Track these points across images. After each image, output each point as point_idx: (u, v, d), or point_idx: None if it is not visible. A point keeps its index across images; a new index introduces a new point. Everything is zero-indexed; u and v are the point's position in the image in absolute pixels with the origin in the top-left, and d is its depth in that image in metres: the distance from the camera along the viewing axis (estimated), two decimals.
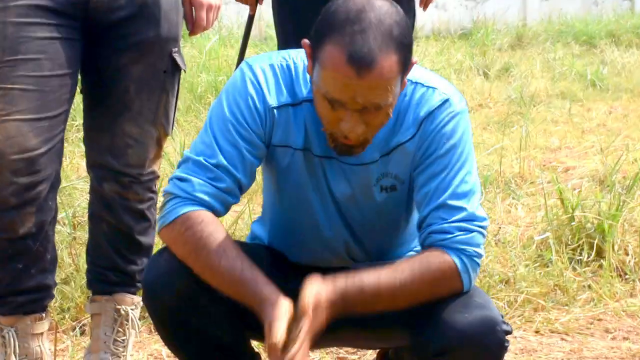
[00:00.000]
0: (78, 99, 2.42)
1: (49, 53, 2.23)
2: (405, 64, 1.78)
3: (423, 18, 2.85)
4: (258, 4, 3.36)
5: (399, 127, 1.91)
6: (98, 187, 2.43)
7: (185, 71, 2.50)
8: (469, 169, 1.92)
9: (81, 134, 2.47)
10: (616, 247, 3.29)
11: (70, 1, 2.24)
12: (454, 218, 1.86)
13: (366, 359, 2.59)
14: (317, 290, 1.72)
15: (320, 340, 1.81)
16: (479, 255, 1.88)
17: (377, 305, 1.79)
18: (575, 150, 5.40)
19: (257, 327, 1.80)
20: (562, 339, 2.80)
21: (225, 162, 1.89)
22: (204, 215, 1.86)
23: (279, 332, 1.69)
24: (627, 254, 3.29)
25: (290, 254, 2.14)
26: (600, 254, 3.27)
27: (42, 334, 2.38)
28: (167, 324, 1.95)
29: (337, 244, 2.07)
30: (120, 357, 2.45)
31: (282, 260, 2.13)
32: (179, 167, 1.93)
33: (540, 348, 2.72)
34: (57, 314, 2.73)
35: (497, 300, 2.99)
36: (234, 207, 2.21)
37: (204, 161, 1.88)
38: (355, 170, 1.94)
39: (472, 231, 1.87)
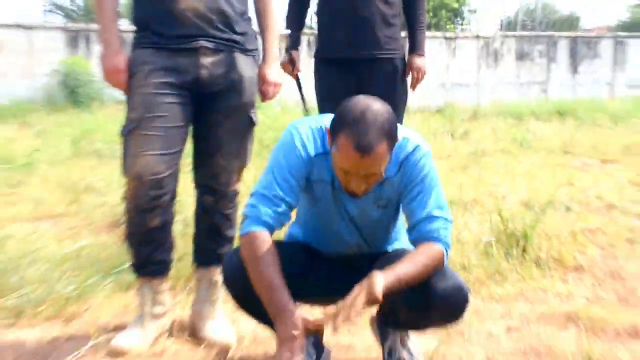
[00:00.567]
0: (189, 141, 2.43)
1: (172, 112, 2.24)
2: (392, 145, 1.84)
3: (412, 98, 2.83)
4: (298, 73, 3.34)
5: (387, 168, 1.91)
6: (200, 199, 2.46)
7: (257, 125, 2.49)
8: (438, 190, 1.97)
9: (190, 165, 2.46)
10: (534, 247, 3.28)
11: (187, 80, 2.27)
12: (435, 223, 1.91)
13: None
14: (378, 282, 1.71)
15: None
16: (450, 244, 1.96)
17: (405, 287, 1.80)
18: (509, 186, 5.36)
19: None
20: (498, 304, 2.78)
21: (281, 194, 1.93)
22: (263, 235, 1.89)
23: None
24: (541, 251, 3.27)
25: (320, 247, 2.17)
26: (524, 250, 3.25)
27: (165, 290, 2.40)
28: (235, 296, 2.01)
29: (352, 242, 2.13)
30: (213, 308, 2.46)
31: (314, 251, 2.15)
32: (250, 197, 1.96)
33: (484, 311, 2.71)
34: (175, 279, 2.73)
35: None
36: None
37: (267, 194, 1.92)
38: (361, 197, 1.96)
39: (447, 229, 1.94)
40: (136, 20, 2.36)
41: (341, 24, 3.10)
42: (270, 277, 1.83)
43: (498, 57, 15.75)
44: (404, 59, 3.25)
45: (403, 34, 3.24)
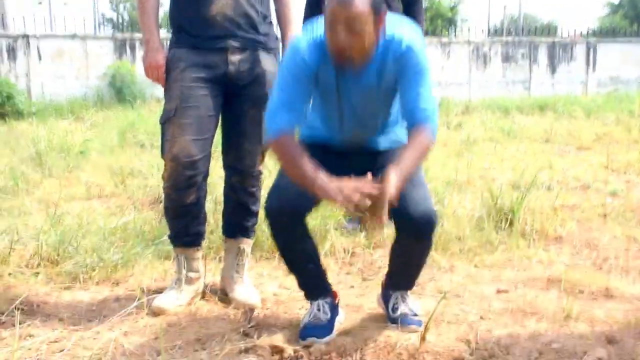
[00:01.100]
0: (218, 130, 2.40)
1: (204, 103, 2.22)
2: (376, 19, 1.79)
3: None
4: None
5: (385, 63, 1.89)
6: (228, 179, 2.42)
7: None
8: (429, 83, 1.90)
9: (219, 150, 2.42)
10: (520, 221, 3.22)
11: (217, 75, 2.24)
12: (427, 111, 1.85)
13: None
14: (395, 176, 1.68)
15: None
16: (437, 127, 1.92)
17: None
18: (498, 169, 5.30)
19: None
20: (489, 270, 2.73)
21: (289, 99, 1.88)
22: (286, 138, 1.85)
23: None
24: (526, 224, 3.22)
25: (328, 137, 2.09)
26: (511, 224, 3.20)
27: (198, 258, 2.38)
28: (280, 234, 1.98)
29: (351, 127, 2.05)
30: (240, 274, 2.43)
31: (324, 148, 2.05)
32: (267, 112, 1.93)
33: (477, 276, 2.67)
34: (207, 249, 2.70)
35: (451, 248, 2.95)
36: None
37: (281, 104, 1.88)
38: (362, 84, 1.93)
39: (435, 113, 1.89)
40: (173, 23, 2.33)
41: None
42: (302, 164, 1.78)
43: (486, 60, 15.61)
44: None
45: None
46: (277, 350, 1.91)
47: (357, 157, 2.07)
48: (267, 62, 2.33)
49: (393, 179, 1.68)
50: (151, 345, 1.96)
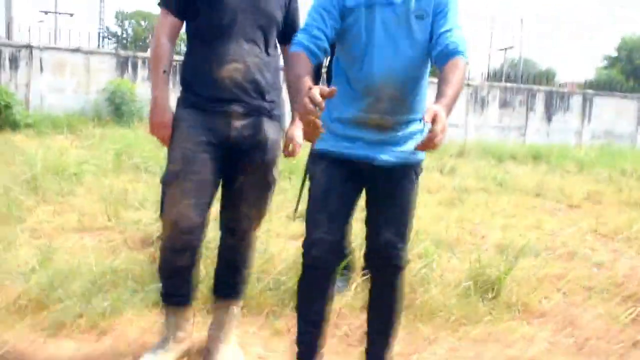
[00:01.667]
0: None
1: (206, 167, 2.23)
2: None
3: None
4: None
5: None
6: (224, 239, 2.45)
7: (277, 182, 2.46)
8: (457, 10, 2.00)
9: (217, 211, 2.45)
10: (506, 291, 3.27)
11: (219, 138, 2.26)
12: (456, 35, 1.93)
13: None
14: (442, 114, 1.69)
15: None
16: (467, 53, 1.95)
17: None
18: (488, 224, 5.36)
19: None
20: (473, 345, 2.75)
21: (314, 23, 1.97)
22: (299, 53, 1.94)
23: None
24: (512, 295, 3.25)
25: (348, 116, 2.06)
26: (498, 294, 3.24)
27: (188, 319, 2.41)
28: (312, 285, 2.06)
29: (379, 76, 2.01)
30: (226, 334, 2.44)
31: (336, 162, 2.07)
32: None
33: (459, 349, 2.70)
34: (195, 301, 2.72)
35: (439, 318, 2.96)
36: None
37: (304, 27, 1.99)
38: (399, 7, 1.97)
39: (464, 40, 1.94)
40: (183, 82, 2.35)
41: None
42: (300, 76, 1.85)
43: (484, 104, 15.81)
44: None
45: None
46: None
47: (368, 173, 2.07)
48: (270, 130, 2.36)
49: (441, 119, 1.70)
50: None
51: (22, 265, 3.18)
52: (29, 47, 12.75)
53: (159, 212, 2.30)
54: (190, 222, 2.21)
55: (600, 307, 3.29)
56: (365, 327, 2.38)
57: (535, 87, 16.76)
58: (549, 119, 16.44)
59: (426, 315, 2.94)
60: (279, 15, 2.34)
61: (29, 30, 14.12)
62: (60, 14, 32.06)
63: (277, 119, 2.41)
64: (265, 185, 2.40)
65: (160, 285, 2.38)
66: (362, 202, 2.16)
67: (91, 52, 13.39)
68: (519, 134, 16.08)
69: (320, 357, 2.12)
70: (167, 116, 2.28)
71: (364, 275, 3.36)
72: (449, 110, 1.77)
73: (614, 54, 33.13)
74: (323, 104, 1.69)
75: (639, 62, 30.61)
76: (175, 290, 2.33)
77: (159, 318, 2.61)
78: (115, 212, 4.56)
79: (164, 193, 2.27)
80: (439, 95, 1.81)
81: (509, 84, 16.79)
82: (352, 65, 2.03)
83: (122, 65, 13.42)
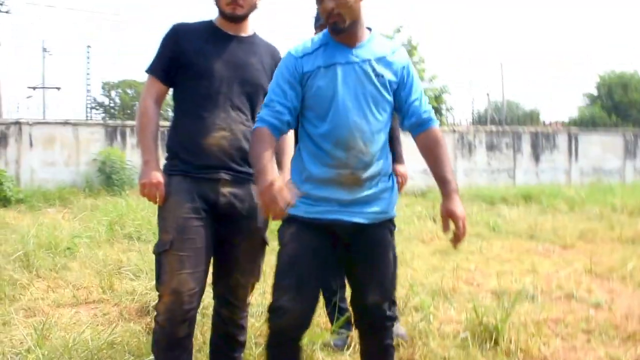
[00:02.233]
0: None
1: (199, 235, 2.26)
2: None
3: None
4: None
5: (382, 51, 2.09)
6: (218, 310, 2.47)
7: (268, 245, 2.50)
8: (418, 80, 2.16)
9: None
10: (505, 339, 3.26)
11: (209, 205, 2.29)
12: (424, 104, 2.13)
13: None
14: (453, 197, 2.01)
15: None
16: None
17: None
18: (484, 271, 5.37)
19: None
20: None
21: (275, 98, 2.05)
22: (261, 130, 2.02)
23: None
24: (510, 343, 3.25)
25: (318, 174, 2.09)
26: (496, 342, 3.23)
27: None
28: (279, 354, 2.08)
29: (355, 133, 2.08)
30: None
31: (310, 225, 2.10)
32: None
33: None
34: None
35: None
36: None
37: (266, 103, 2.07)
38: (359, 64, 2.06)
39: (431, 107, 2.16)
40: (169, 149, 2.40)
41: None
42: (260, 155, 1.94)
43: (471, 148, 16.00)
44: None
45: None
46: None
47: (342, 235, 2.08)
48: None
49: (460, 217, 1.97)
50: None
51: (18, 345, 3.16)
52: (17, 123, 12.91)
53: (155, 283, 2.31)
54: (190, 292, 2.21)
55: (600, 350, 3.28)
56: None
57: (520, 128, 17.03)
58: (536, 159, 16.65)
59: None
60: (265, 81, 2.40)
61: (18, 107, 14.31)
62: (47, 88, 32.55)
63: None
64: (257, 251, 2.43)
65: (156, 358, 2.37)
66: None
67: (80, 124, 13.56)
68: (508, 176, 16.24)
69: None
70: (157, 176, 2.30)
71: None
72: (457, 191, 2.01)
73: (594, 92, 33.81)
74: (293, 201, 1.81)
75: (619, 98, 31.22)
76: None
77: None
78: (110, 283, 4.55)
79: (159, 263, 2.27)
80: (442, 182, 2.01)
81: (494, 127, 17.06)
82: (317, 123, 2.07)
83: (111, 134, 13.58)
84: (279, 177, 1.89)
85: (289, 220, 2.06)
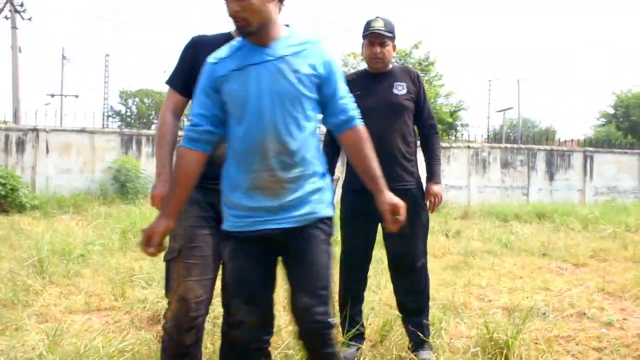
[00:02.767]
0: None
1: (207, 243, 2.29)
2: None
3: None
4: None
5: (300, 47, 2.05)
6: (226, 317, 2.47)
7: None
8: (341, 76, 2.13)
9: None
10: (515, 355, 3.25)
11: (218, 215, 2.26)
12: (348, 101, 2.12)
13: None
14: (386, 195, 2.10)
15: None
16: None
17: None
18: (495, 287, 5.35)
19: None
20: None
21: (196, 110, 2.07)
22: (183, 150, 2.06)
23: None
24: (521, 359, 3.23)
25: (239, 183, 2.09)
26: (506, 358, 3.21)
27: None
28: None
29: (270, 140, 2.04)
30: None
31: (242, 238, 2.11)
32: None
33: None
34: None
35: None
36: None
37: (190, 116, 2.10)
38: (274, 62, 2.02)
39: (354, 104, 2.15)
40: None
41: None
42: (172, 180, 2.05)
43: (485, 165, 15.95)
44: (422, 187, 3.32)
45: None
46: None
47: (276, 240, 2.04)
48: None
49: (393, 196, 2.03)
50: None
51: (29, 351, 3.19)
52: (35, 130, 13.07)
53: (164, 290, 2.34)
54: (196, 299, 2.23)
55: None
56: None
57: (535, 146, 16.97)
58: (551, 177, 16.56)
59: None
60: None
61: (36, 114, 14.50)
62: (66, 96, 32.96)
63: None
64: None
65: None
66: None
67: (96, 132, 13.70)
68: (522, 194, 16.16)
69: None
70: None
71: (372, 346, 3.37)
72: (385, 185, 2.06)
73: (611, 110, 33.65)
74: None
75: (635, 118, 31.04)
76: None
77: None
78: (122, 291, 4.59)
79: (168, 270, 2.31)
80: (374, 179, 2.07)
81: (509, 145, 17.01)
82: (235, 127, 2.04)
83: (127, 143, 13.71)
84: (166, 219, 2.02)
85: (226, 237, 2.09)
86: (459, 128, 21.36)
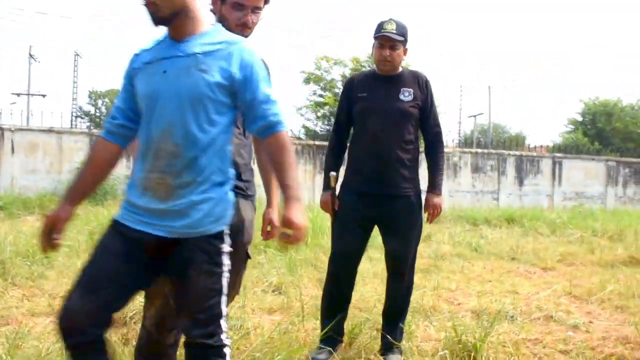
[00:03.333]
0: None
1: None
2: None
3: None
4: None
5: (216, 46, 1.90)
6: None
7: (251, 258, 2.49)
8: (265, 76, 1.94)
9: None
10: (483, 358, 3.26)
11: None
12: (271, 105, 1.90)
13: None
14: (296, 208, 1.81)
15: None
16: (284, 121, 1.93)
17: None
18: (464, 291, 5.39)
19: None
20: None
21: (116, 102, 2.02)
22: (98, 141, 2.00)
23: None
24: None
25: (137, 180, 1.99)
26: None
27: None
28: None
29: (157, 131, 1.94)
30: None
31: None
32: None
33: None
34: None
35: None
36: None
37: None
38: (184, 58, 1.91)
39: (279, 109, 1.91)
40: None
41: (367, 165, 3.19)
42: (85, 164, 1.99)
43: (457, 169, 16.10)
44: (419, 195, 3.28)
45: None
46: None
47: (151, 245, 1.89)
48: (246, 209, 2.38)
49: (296, 224, 1.77)
50: None
51: None
52: (0, 129, 12.80)
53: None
54: None
55: None
56: None
57: (505, 151, 17.19)
58: (520, 182, 16.79)
59: None
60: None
61: (0, 113, 14.20)
62: (33, 95, 32.34)
63: (251, 198, 2.44)
64: (240, 265, 2.40)
65: None
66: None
67: (64, 132, 13.47)
68: (492, 198, 16.35)
69: None
70: None
71: (342, 349, 3.35)
72: (298, 199, 1.81)
73: (579, 118, 34.32)
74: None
75: (601, 125, 31.71)
76: None
77: None
78: None
79: None
80: (283, 188, 1.83)
81: (480, 150, 17.19)
82: (142, 122, 1.95)
83: None
84: (70, 205, 1.95)
85: (109, 224, 1.96)
86: None
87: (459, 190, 16.03)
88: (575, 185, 17.27)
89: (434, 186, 3.29)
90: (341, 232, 3.27)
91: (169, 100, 1.85)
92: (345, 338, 3.46)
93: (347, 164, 3.34)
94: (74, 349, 1.82)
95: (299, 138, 18.12)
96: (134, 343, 3.19)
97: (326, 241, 3.54)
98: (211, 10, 2.30)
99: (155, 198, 1.87)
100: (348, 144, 3.39)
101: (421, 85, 3.25)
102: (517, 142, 21.91)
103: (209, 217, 1.88)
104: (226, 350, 1.91)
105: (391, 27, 3.15)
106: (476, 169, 16.34)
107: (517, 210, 13.17)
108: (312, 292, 4.71)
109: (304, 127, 22.40)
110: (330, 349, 3.22)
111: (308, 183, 14.86)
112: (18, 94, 33.25)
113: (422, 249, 7.87)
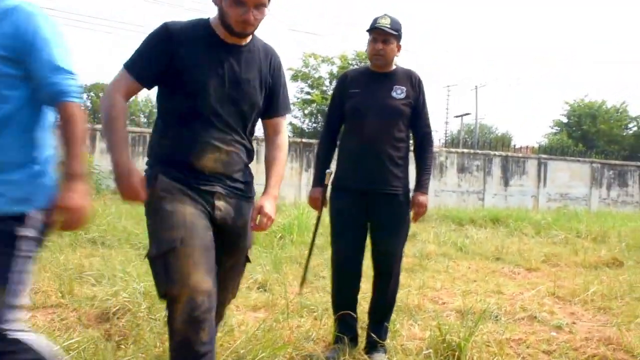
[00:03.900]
0: None
1: (208, 237, 2.15)
2: None
3: None
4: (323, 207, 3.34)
5: None
6: None
7: (250, 262, 2.49)
8: (57, 45, 1.77)
9: None
10: (467, 357, 3.28)
11: (209, 212, 2.21)
12: (63, 77, 1.77)
13: None
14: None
15: None
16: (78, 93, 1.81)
17: None
18: (449, 290, 5.41)
19: None
20: None
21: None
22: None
23: None
24: None
25: None
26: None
27: None
28: None
29: None
30: None
31: None
32: None
33: None
34: None
35: None
36: None
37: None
38: None
39: (71, 80, 1.79)
40: (159, 158, 2.25)
41: (357, 163, 3.19)
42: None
43: (443, 169, 16.16)
44: (408, 193, 3.29)
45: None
46: None
47: None
48: (247, 212, 2.35)
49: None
50: None
51: None
52: None
53: (160, 289, 2.09)
54: (208, 288, 2.05)
55: None
56: None
57: (491, 152, 17.28)
58: (506, 183, 16.90)
59: None
60: (260, 99, 2.35)
61: None
62: None
63: (251, 200, 2.41)
64: (240, 269, 2.42)
65: None
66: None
67: None
68: (478, 198, 16.44)
69: None
70: (134, 179, 2.10)
71: (325, 347, 3.35)
72: (79, 178, 1.81)
73: (564, 119, 34.58)
74: None
75: (586, 127, 31.99)
76: None
77: None
78: (70, 288, 4.46)
79: (165, 264, 2.05)
80: (68, 164, 1.78)
81: (466, 150, 17.27)
82: None
83: None
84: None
85: None
86: None
87: (444, 190, 16.09)
88: (560, 187, 17.40)
89: (421, 185, 3.30)
90: (337, 231, 3.27)
91: None
92: (330, 337, 3.46)
93: (338, 160, 3.33)
94: None
95: None
96: (117, 339, 3.19)
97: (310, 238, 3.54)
98: (213, 1, 2.24)
99: None
100: (338, 140, 3.39)
101: (414, 84, 3.26)
102: (503, 142, 22.02)
103: (2, 198, 1.78)
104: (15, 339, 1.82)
105: (385, 22, 3.15)
106: (462, 169, 16.41)
107: (503, 211, 13.25)
108: (296, 289, 4.70)
109: (291, 124, 22.38)
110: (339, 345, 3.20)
111: (294, 181, 14.84)
112: None
113: (407, 248, 7.85)
